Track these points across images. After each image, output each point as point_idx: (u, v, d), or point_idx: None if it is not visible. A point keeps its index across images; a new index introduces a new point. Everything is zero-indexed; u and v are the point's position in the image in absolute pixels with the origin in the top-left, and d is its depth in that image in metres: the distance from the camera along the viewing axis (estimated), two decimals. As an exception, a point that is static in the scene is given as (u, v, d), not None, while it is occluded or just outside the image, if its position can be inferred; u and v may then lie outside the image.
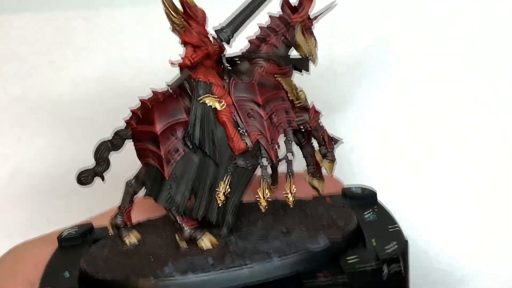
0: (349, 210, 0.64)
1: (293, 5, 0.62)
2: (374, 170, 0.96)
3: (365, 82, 0.96)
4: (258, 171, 0.61)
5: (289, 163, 0.61)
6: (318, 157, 0.64)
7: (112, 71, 0.97)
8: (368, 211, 0.64)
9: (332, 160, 0.64)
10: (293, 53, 0.63)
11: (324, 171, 0.65)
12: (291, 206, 0.61)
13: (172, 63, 0.58)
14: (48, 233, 0.69)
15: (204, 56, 0.58)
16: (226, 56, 0.61)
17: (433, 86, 0.95)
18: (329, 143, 0.64)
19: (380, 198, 0.68)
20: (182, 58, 0.58)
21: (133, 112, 0.59)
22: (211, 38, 0.59)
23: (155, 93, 0.58)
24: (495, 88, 0.94)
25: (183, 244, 0.59)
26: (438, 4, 0.95)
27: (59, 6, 0.98)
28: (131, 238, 0.62)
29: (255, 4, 0.61)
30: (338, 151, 0.65)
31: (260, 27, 0.62)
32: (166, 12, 0.57)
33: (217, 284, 0.53)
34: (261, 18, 0.62)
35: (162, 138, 0.58)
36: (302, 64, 0.62)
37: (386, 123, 0.96)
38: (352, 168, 0.95)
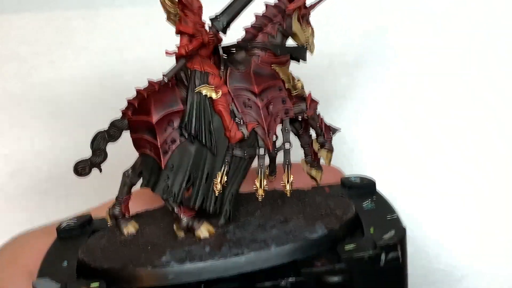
0: (347, 199, 0.64)
1: None
2: (371, 166, 0.96)
3: (362, 76, 0.96)
4: (256, 161, 0.61)
5: (287, 152, 0.61)
6: (316, 146, 0.64)
7: (112, 71, 0.98)
8: (367, 200, 0.64)
9: (330, 150, 0.64)
10: (290, 42, 0.63)
11: (322, 160, 0.65)
12: (288, 195, 0.61)
13: (167, 53, 0.58)
14: (48, 224, 0.69)
15: (199, 45, 0.58)
16: (222, 45, 0.61)
17: (431, 80, 0.95)
18: (326, 132, 0.64)
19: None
20: (177, 47, 0.58)
21: (129, 102, 0.59)
22: (206, 28, 0.60)
23: (150, 83, 0.59)
24: (493, 82, 0.95)
25: (181, 234, 0.59)
26: (435, -3, 0.95)
27: (59, 6, 0.99)
28: (129, 228, 0.62)
29: None
30: (336, 145, 0.66)
31: (256, 16, 0.62)
32: (161, 1, 0.57)
33: (214, 272, 0.54)
34: (257, 7, 0.62)
35: (158, 128, 0.58)
36: (298, 53, 0.63)
37: (384, 117, 0.96)
38: (350, 162, 0.95)
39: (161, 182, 0.58)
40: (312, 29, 0.63)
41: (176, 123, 0.58)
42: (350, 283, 0.53)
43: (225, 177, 0.59)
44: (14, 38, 0.99)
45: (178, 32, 0.58)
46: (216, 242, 0.57)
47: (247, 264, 0.54)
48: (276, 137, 0.61)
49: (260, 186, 0.60)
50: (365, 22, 0.96)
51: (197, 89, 0.58)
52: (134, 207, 0.64)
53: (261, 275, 0.54)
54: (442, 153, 0.95)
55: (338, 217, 0.60)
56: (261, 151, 0.60)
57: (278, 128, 0.61)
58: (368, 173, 0.86)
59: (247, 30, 0.62)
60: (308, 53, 0.63)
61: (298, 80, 0.62)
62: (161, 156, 0.58)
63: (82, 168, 0.59)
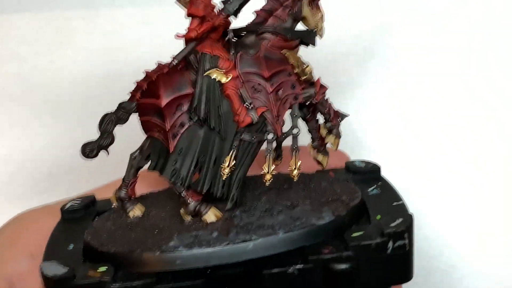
0: (353, 185, 0.64)
1: None
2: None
3: (362, 76, 0.96)
4: (263, 146, 0.61)
5: (295, 137, 0.61)
6: (323, 131, 0.64)
7: (112, 71, 0.98)
8: (372, 186, 0.64)
9: (338, 135, 0.64)
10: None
11: (328, 145, 0.65)
12: (295, 180, 0.61)
13: (178, 36, 0.58)
14: (48, 204, 0.69)
15: (210, 28, 0.58)
16: (231, 29, 0.61)
17: (431, 80, 0.95)
18: (335, 117, 0.64)
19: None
20: (187, 30, 0.58)
21: (138, 84, 0.59)
22: (216, 11, 0.59)
23: (160, 65, 0.59)
24: (493, 82, 0.95)
25: (187, 218, 0.59)
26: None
27: (59, 6, 0.99)
28: (135, 211, 0.62)
29: None
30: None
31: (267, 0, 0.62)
32: None
33: (222, 258, 0.53)
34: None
35: (167, 111, 0.57)
36: (308, 38, 0.62)
37: (384, 117, 0.96)
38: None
39: (169, 166, 0.58)
40: (322, 13, 0.63)
41: (185, 107, 0.58)
42: (357, 270, 0.53)
43: (233, 162, 0.59)
44: (14, 38, 0.99)
45: (189, 14, 0.58)
46: (223, 227, 0.56)
47: (255, 250, 0.54)
48: (283, 122, 0.60)
49: (268, 171, 0.59)
50: (365, 22, 0.96)
51: (206, 73, 0.58)
52: (138, 189, 0.63)
53: (269, 262, 0.54)
54: (442, 153, 0.96)
55: (344, 203, 0.59)
56: (270, 136, 0.60)
57: (286, 113, 0.61)
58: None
59: (257, 13, 0.61)
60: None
61: (307, 65, 0.62)
62: (170, 140, 0.57)
63: (90, 151, 0.59)
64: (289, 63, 0.61)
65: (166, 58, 0.59)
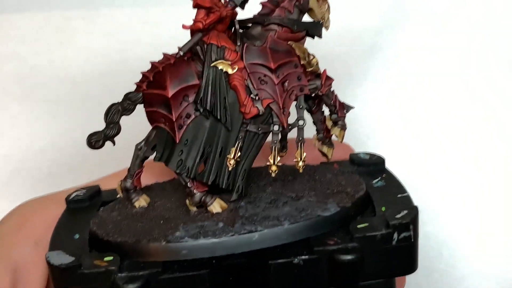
0: (357, 176, 0.64)
1: None
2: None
3: (362, 76, 0.96)
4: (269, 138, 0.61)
5: (301, 129, 0.61)
6: (329, 123, 0.64)
7: (112, 71, 0.98)
8: (377, 178, 0.64)
9: (343, 127, 0.64)
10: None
11: (334, 137, 0.65)
12: (301, 172, 0.61)
13: (184, 27, 0.58)
14: (52, 193, 0.69)
15: (216, 19, 0.58)
16: (238, 20, 0.61)
17: (431, 80, 0.96)
18: (340, 109, 0.64)
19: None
20: (194, 21, 0.58)
21: (144, 74, 0.59)
22: (223, 2, 0.59)
23: (166, 56, 0.58)
24: (493, 82, 0.96)
25: (193, 209, 0.59)
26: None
27: (59, 6, 0.99)
28: (141, 202, 0.62)
29: None
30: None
31: None
32: None
33: (227, 248, 0.53)
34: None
35: (174, 102, 0.57)
36: (314, 29, 0.62)
37: (384, 117, 0.96)
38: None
39: (175, 157, 0.58)
40: (328, 5, 0.63)
41: (191, 98, 0.58)
42: (361, 261, 0.53)
43: (239, 153, 0.59)
44: (14, 38, 1.00)
45: (195, 5, 0.58)
46: (229, 218, 0.56)
47: (260, 241, 0.54)
48: (289, 113, 0.60)
49: (274, 163, 0.59)
50: (365, 22, 0.97)
51: (213, 64, 0.58)
52: (144, 179, 0.63)
53: (274, 252, 0.54)
54: (442, 153, 0.96)
55: (349, 194, 0.59)
56: (276, 127, 0.60)
57: (292, 105, 0.61)
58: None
59: (264, 5, 0.61)
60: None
61: (314, 57, 0.62)
62: (176, 131, 0.57)
63: (96, 141, 0.59)
64: (295, 54, 0.60)
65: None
